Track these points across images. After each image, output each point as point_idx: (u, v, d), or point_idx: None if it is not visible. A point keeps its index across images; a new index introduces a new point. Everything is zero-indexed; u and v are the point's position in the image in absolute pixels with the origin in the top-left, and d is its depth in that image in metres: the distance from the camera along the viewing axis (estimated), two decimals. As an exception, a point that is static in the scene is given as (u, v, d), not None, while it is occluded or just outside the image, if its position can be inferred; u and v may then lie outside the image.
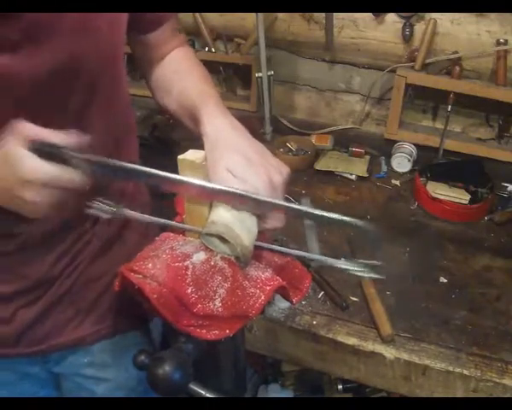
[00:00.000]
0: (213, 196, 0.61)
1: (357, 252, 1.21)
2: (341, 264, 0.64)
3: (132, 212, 0.67)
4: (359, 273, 0.63)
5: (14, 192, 0.56)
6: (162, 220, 0.68)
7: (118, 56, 0.74)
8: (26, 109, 0.57)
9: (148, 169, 0.59)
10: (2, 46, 0.57)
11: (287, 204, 0.59)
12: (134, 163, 0.59)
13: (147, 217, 0.69)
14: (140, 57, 0.86)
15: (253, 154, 0.63)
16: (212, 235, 0.60)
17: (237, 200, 0.59)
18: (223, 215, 0.60)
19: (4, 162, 0.55)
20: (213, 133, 0.65)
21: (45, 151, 0.55)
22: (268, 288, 0.59)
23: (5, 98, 0.60)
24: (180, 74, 0.82)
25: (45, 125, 0.56)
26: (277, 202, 0.59)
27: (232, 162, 0.61)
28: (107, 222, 0.79)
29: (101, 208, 0.64)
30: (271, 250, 0.67)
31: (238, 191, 0.58)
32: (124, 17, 0.72)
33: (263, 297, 0.58)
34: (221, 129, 0.65)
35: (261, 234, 0.64)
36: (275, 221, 0.62)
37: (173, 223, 0.67)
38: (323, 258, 0.66)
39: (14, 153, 0.54)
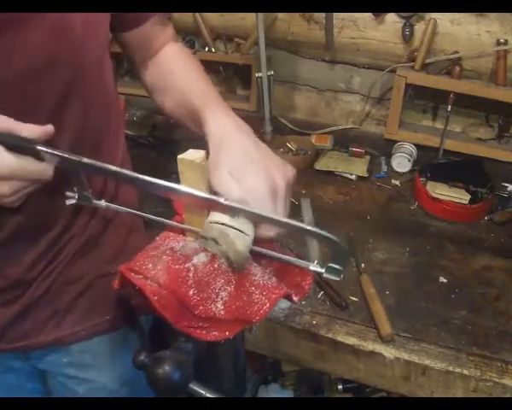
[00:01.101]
0: (205, 205, 0.61)
1: (357, 252, 1.21)
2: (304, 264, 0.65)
3: (114, 205, 0.69)
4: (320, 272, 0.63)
5: None
6: (171, 223, 0.68)
7: (96, 57, 0.72)
8: None
9: (118, 169, 0.60)
10: None
11: (266, 215, 0.58)
12: (112, 164, 0.60)
13: (130, 210, 0.70)
14: (131, 56, 0.84)
15: (257, 155, 0.62)
16: (206, 237, 0.60)
17: (230, 210, 0.59)
18: (219, 218, 0.60)
19: None
20: (218, 133, 0.64)
21: (12, 144, 0.56)
22: (274, 296, 0.59)
23: None
24: (176, 73, 0.81)
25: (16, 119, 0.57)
26: (269, 216, 0.59)
27: (234, 163, 0.60)
28: (85, 223, 0.78)
29: (81, 198, 0.66)
30: (272, 250, 0.67)
31: (226, 203, 0.58)
32: (102, 17, 0.70)
33: (268, 305, 0.58)
34: (226, 129, 0.65)
35: (267, 242, 0.63)
36: (265, 230, 0.61)
37: (180, 225, 0.67)
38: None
39: None
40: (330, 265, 0.60)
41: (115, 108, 0.83)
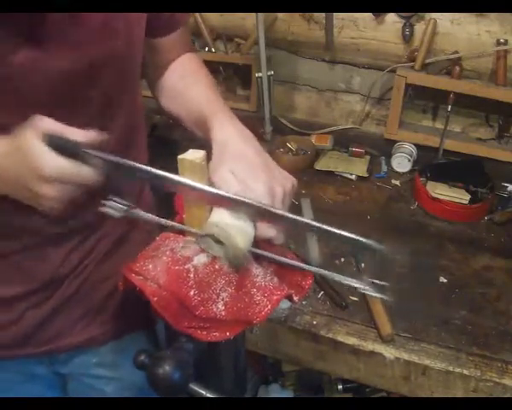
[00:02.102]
0: (213, 201, 0.61)
1: (357, 252, 1.21)
2: (349, 281, 0.63)
3: (142, 212, 0.67)
4: (366, 292, 0.62)
5: (30, 186, 0.56)
6: (171, 223, 0.68)
7: (137, 62, 0.74)
8: (46, 107, 0.57)
9: (155, 170, 0.59)
10: (30, 39, 0.58)
11: (281, 212, 0.59)
12: (142, 163, 0.60)
13: (156, 218, 0.69)
14: (147, 61, 0.85)
15: (259, 162, 0.63)
16: (207, 235, 0.60)
17: (233, 204, 0.59)
18: (221, 217, 0.60)
19: (21, 155, 0.55)
20: (223, 140, 0.66)
21: (62, 147, 0.55)
22: (275, 297, 0.59)
23: (30, 94, 0.61)
24: (187, 80, 0.83)
25: (65, 122, 0.57)
26: (269, 207, 0.59)
27: (236, 166, 0.61)
28: (115, 222, 0.79)
29: (114, 207, 0.64)
30: (272, 251, 0.67)
31: (232, 196, 0.58)
32: (142, 19, 0.72)
33: (269, 306, 0.58)
34: (231, 136, 0.66)
35: (271, 245, 0.64)
36: (265, 230, 0.61)
37: (180, 225, 0.67)
38: (332, 274, 0.66)
39: (31, 146, 0.54)
40: (373, 281, 0.59)
41: (142, 106, 0.85)
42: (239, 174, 0.60)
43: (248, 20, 1.66)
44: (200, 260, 0.60)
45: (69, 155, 0.56)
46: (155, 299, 0.56)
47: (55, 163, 0.55)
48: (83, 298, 0.81)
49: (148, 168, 0.59)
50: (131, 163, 0.58)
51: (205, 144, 0.66)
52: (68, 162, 0.55)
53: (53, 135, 0.55)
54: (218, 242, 0.59)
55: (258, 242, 0.63)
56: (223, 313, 0.57)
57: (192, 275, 0.58)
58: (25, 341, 0.80)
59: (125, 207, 0.64)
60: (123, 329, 0.87)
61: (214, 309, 0.57)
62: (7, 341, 0.80)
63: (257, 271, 0.61)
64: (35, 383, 0.89)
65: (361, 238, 0.57)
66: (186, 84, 0.82)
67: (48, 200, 0.57)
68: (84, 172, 0.57)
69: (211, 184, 0.61)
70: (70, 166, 0.56)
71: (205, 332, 0.57)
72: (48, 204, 0.58)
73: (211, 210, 0.62)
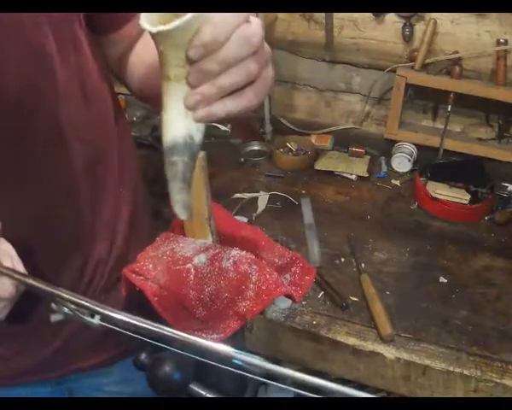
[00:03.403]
0: None
1: (357, 252, 1.21)
2: None
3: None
4: None
5: None
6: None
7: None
8: None
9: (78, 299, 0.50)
10: None
11: None
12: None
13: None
14: (113, 61, 0.77)
15: None
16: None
17: None
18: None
19: None
20: None
21: None
22: (273, 294, 0.59)
23: None
24: (147, 45, 0.71)
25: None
26: None
27: None
28: (108, 246, 0.76)
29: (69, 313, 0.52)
30: (272, 251, 0.67)
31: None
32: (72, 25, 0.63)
33: (265, 303, 0.58)
34: None
35: (271, 245, 0.63)
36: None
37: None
38: None
39: None
40: None
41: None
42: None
43: (248, 20, 1.66)
44: (201, 259, 0.60)
45: None
46: (156, 299, 0.56)
47: None
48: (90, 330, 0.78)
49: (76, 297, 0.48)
50: (53, 289, 0.48)
51: (205, 145, 0.66)
52: None
53: None
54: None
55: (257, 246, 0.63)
56: (220, 311, 0.57)
57: (192, 276, 0.58)
58: (30, 371, 0.76)
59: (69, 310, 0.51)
60: (134, 347, 0.85)
61: (213, 309, 0.57)
62: (10, 373, 0.76)
63: (255, 269, 0.61)
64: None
65: None
66: (144, 45, 0.72)
67: None
68: None
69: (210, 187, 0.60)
70: None
71: (203, 335, 0.57)
72: None
73: (210, 215, 0.62)
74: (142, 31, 0.41)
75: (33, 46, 0.57)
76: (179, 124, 0.43)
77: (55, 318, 0.52)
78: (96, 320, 0.50)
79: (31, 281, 0.49)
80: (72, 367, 0.80)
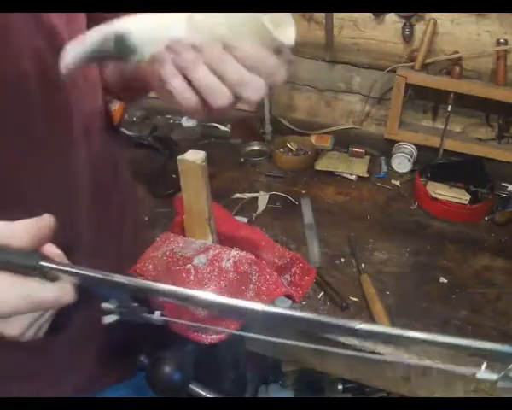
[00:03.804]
0: None
1: (357, 252, 1.21)
2: None
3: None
4: None
5: None
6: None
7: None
8: None
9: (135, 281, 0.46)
10: None
11: None
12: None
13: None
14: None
15: None
16: None
17: None
18: None
19: None
20: None
21: (9, 266, 0.41)
22: (273, 294, 0.59)
23: None
24: None
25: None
26: None
27: None
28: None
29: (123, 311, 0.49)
30: (272, 251, 0.67)
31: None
32: (81, 17, 0.61)
33: (267, 302, 0.58)
34: None
35: (272, 245, 0.63)
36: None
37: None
38: None
39: None
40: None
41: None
42: None
43: (248, 20, 1.66)
44: (201, 260, 0.60)
45: (22, 271, 0.42)
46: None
47: (5, 300, 0.41)
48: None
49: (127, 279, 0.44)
50: (104, 275, 0.44)
51: (205, 146, 0.66)
52: (17, 288, 0.41)
53: None
54: None
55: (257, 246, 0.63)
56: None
57: (192, 276, 0.58)
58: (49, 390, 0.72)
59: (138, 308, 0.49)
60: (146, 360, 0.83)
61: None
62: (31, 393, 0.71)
63: (255, 270, 0.61)
64: None
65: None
66: None
67: (14, 337, 0.44)
68: (45, 296, 0.43)
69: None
70: (21, 295, 0.42)
71: (203, 335, 0.57)
72: (11, 337, 0.45)
73: (210, 215, 0.62)
74: None
75: (43, 22, 0.55)
76: None
77: (108, 319, 0.49)
78: (157, 316, 0.48)
79: (103, 276, 0.44)
80: (93, 386, 0.77)
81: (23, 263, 0.42)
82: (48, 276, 0.43)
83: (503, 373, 0.43)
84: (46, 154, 0.58)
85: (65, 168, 0.61)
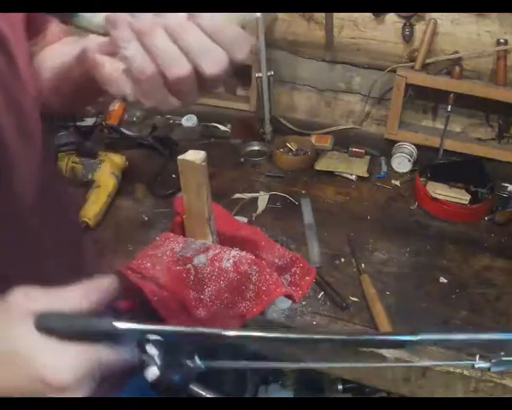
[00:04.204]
0: None
1: (357, 252, 1.21)
2: None
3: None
4: None
5: (36, 394, 0.39)
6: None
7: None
8: None
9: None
10: None
11: None
12: None
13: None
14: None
15: None
16: None
17: None
18: None
19: (17, 364, 0.38)
20: None
21: (68, 330, 0.38)
22: (273, 294, 0.59)
23: None
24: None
25: None
26: None
27: None
28: None
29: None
30: (272, 251, 0.67)
31: None
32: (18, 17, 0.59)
33: (265, 304, 0.58)
34: None
35: (272, 245, 0.63)
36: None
37: None
38: None
39: (29, 349, 0.38)
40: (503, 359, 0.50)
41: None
42: None
43: (248, 20, 1.66)
44: (201, 260, 0.60)
45: (78, 335, 0.39)
46: (155, 298, 0.56)
47: (68, 365, 0.38)
48: None
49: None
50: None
51: (204, 146, 0.66)
52: (84, 353, 0.39)
53: (51, 315, 0.38)
54: None
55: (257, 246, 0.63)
56: (220, 311, 0.57)
57: (192, 276, 0.58)
58: None
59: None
60: None
61: (213, 308, 0.57)
62: None
63: (255, 270, 0.61)
64: None
65: None
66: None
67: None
68: (108, 357, 0.42)
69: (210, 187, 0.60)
70: (89, 360, 0.39)
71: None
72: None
73: (210, 215, 0.62)
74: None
75: None
76: None
77: (151, 375, 0.45)
78: (198, 361, 0.47)
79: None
80: None
81: (99, 330, 0.39)
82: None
83: (495, 360, 0.50)
84: None
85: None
